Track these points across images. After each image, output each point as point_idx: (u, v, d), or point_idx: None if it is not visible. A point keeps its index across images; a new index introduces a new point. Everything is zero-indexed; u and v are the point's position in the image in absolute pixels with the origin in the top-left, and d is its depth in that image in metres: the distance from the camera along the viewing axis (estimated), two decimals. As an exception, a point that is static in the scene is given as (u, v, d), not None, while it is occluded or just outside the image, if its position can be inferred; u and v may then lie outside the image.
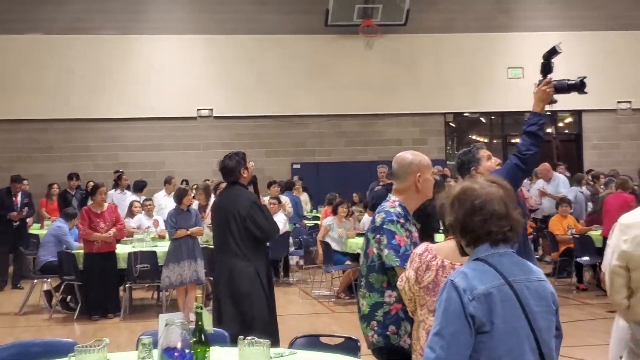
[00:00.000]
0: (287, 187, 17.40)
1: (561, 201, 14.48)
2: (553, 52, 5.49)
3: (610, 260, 4.17)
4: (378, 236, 4.66)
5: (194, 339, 4.19)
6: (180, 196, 11.68)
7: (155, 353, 4.29)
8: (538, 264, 5.69)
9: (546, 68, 5.47)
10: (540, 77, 5.48)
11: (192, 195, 13.33)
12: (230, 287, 7.35)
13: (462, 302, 3.10)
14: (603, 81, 21.87)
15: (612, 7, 22.25)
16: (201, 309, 4.29)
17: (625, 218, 4.15)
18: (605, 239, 12.09)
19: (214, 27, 20.99)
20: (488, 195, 3.29)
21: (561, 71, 18.65)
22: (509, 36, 21.99)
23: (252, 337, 4.42)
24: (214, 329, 5.08)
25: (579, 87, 5.35)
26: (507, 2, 22.19)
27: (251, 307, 7.37)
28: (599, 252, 12.04)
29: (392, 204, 4.79)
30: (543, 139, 5.36)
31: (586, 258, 12.92)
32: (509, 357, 3.10)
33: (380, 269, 4.65)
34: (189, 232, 11.23)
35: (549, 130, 21.85)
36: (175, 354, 4.12)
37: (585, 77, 5.39)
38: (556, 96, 5.43)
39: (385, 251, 4.58)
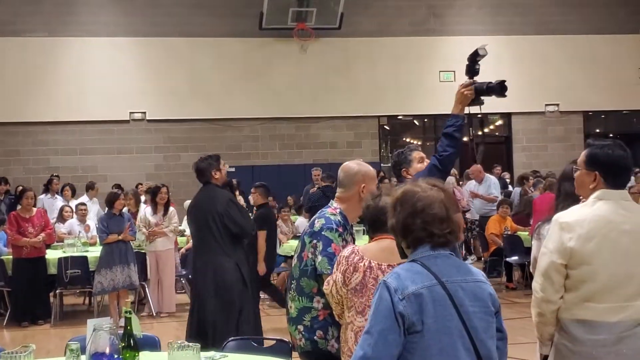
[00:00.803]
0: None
1: (502, 202, 14.68)
2: (476, 54, 5.53)
3: (546, 259, 4.18)
4: (314, 241, 4.67)
5: (123, 344, 4.15)
6: (111, 200, 11.57)
7: (84, 358, 4.22)
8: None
9: (471, 70, 5.51)
10: (466, 78, 5.53)
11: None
12: (215, 283, 7.58)
13: (392, 301, 3.12)
14: (531, 84, 22.32)
15: (540, 12, 22.64)
16: (130, 313, 4.26)
17: (566, 216, 4.17)
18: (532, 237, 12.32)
19: (146, 30, 20.80)
20: (429, 198, 3.31)
21: (490, 75, 18.80)
22: (440, 40, 22.19)
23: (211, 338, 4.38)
24: (145, 333, 5.03)
25: (498, 90, 5.37)
26: (438, 7, 22.39)
27: (239, 298, 7.66)
28: (528, 252, 12.26)
29: (333, 210, 4.81)
30: (460, 141, 5.41)
31: (515, 258, 13.14)
32: (441, 355, 3.12)
33: (312, 275, 4.66)
34: (120, 237, 11.11)
35: (480, 134, 22.14)
36: (104, 359, 4.06)
37: (504, 80, 5.39)
38: (486, 99, 5.48)
39: (319, 257, 4.59)
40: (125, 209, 12.72)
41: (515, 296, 12.65)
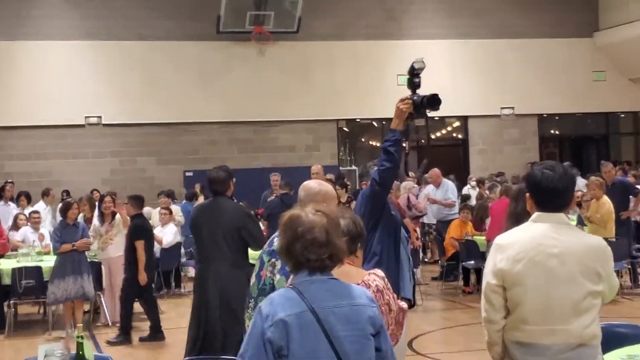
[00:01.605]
0: (190, 197, 17.13)
1: (463, 207, 14.80)
2: (412, 69, 5.58)
3: (484, 280, 4.25)
4: (273, 260, 4.66)
5: (75, 369, 4.15)
6: (65, 209, 11.45)
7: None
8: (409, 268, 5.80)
9: (411, 84, 5.56)
10: (409, 92, 5.55)
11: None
12: (225, 293, 7.54)
13: (262, 327, 3.22)
14: (487, 88, 22.58)
15: (497, 16, 22.83)
16: (82, 338, 4.26)
17: (501, 238, 4.24)
18: (489, 242, 12.45)
19: (101, 33, 20.61)
20: (310, 223, 3.35)
21: (447, 78, 19.10)
22: (398, 44, 22.25)
23: None
24: (99, 354, 5.03)
25: (429, 103, 5.41)
26: (396, 11, 22.49)
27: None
28: (483, 257, 12.39)
29: None
30: (395, 156, 5.42)
31: (471, 262, 13.26)
32: None
33: (270, 293, 4.67)
34: (74, 247, 11.01)
35: (424, 142, 22.29)
36: (55, 384, 4.07)
37: (436, 94, 5.42)
38: (444, 103, 5.51)
39: (277, 276, 4.59)
40: (80, 216, 12.61)
41: (471, 300, 12.70)
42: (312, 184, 5.03)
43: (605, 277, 4.04)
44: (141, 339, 10.86)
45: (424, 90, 5.55)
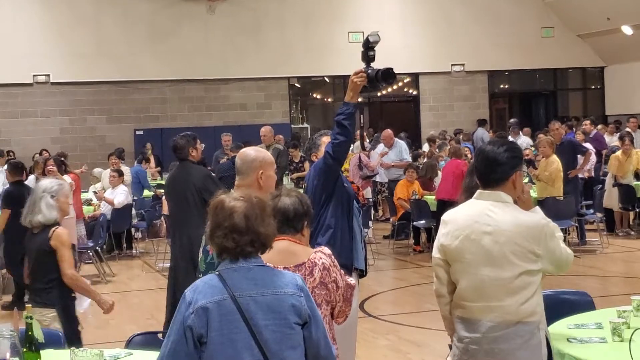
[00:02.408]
0: (140, 161, 16.93)
1: (409, 167, 14.83)
2: (367, 42, 5.54)
3: (433, 254, 4.29)
4: None
5: (25, 349, 4.10)
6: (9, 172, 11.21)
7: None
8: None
9: (366, 57, 5.52)
10: (363, 65, 5.52)
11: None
12: (192, 253, 7.51)
13: (184, 314, 3.24)
14: (438, 45, 22.60)
15: (446, -29, 22.82)
16: (31, 318, 4.21)
17: (446, 214, 4.26)
18: (439, 201, 12.55)
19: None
20: (231, 209, 3.34)
21: (398, 35, 19.05)
22: (349, 1, 22.22)
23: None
24: (46, 329, 4.97)
25: (383, 78, 5.39)
26: (346, -33, 22.38)
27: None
28: (434, 215, 12.50)
29: None
30: (350, 130, 5.42)
31: (422, 222, 13.33)
32: None
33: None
34: None
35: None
36: (5, 365, 4.03)
37: (391, 68, 5.40)
38: (395, 60, 5.51)
39: None
40: (31, 178, 12.38)
41: (422, 259, 12.77)
42: (248, 151, 4.98)
43: (544, 255, 4.01)
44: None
45: (379, 54, 5.55)
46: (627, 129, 16.97)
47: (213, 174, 9.17)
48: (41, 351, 4.18)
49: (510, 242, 3.98)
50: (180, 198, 8.14)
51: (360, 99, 5.55)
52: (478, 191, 4.13)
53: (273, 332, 3.25)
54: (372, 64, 5.46)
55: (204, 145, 8.85)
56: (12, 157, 16.83)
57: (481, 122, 20.72)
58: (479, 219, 4.05)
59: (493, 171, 4.08)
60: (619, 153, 14.21)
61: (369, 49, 5.53)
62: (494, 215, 4.03)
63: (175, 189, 8.26)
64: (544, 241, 4.00)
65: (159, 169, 18.17)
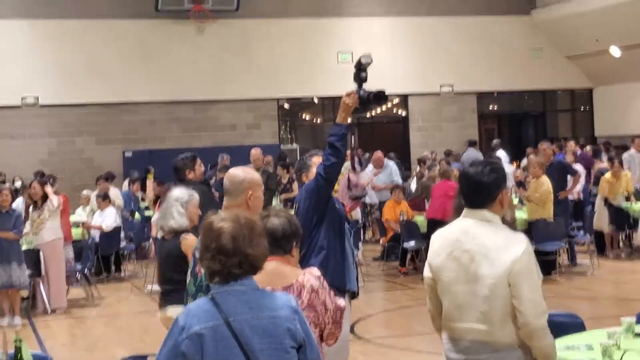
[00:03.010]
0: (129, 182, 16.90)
1: (395, 187, 14.85)
2: (359, 63, 5.56)
3: (424, 272, 4.30)
4: None
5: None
6: None
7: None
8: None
9: (358, 78, 5.54)
10: (354, 86, 5.54)
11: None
12: None
13: (177, 339, 3.20)
14: (427, 66, 22.70)
15: (436, -7, 22.95)
16: (20, 342, 4.20)
17: (435, 233, 4.27)
18: (429, 220, 12.56)
19: (38, 11, 20.24)
20: (218, 231, 3.30)
21: (387, 56, 19.15)
22: (338, 22, 22.29)
23: None
24: (35, 353, 4.95)
25: (375, 100, 5.45)
26: (336, -12, 22.48)
27: None
28: (424, 237, 12.46)
29: None
30: (342, 151, 5.42)
31: (412, 243, 13.30)
32: None
33: (207, 290, 4.62)
34: (1, 236, 10.71)
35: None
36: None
37: (383, 90, 5.45)
38: (384, 81, 5.51)
39: None
40: (19, 201, 12.32)
41: (411, 281, 12.75)
42: (236, 172, 4.98)
43: (512, 286, 3.89)
44: None
45: (370, 76, 5.57)
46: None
47: (212, 193, 9.04)
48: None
49: (489, 263, 3.92)
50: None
51: (349, 120, 5.57)
52: (465, 210, 4.11)
53: (269, 356, 3.23)
54: (365, 86, 5.49)
55: (202, 166, 8.90)
56: (2, 180, 16.76)
57: (471, 143, 20.79)
58: (461, 237, 4.04)
59: (478, 193, 4.08)
60: (608, 175, 14.26)
61: (361, 70, 5.54)
62: (478, 234, 4.01)
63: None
64: (519, 273, 3.87)
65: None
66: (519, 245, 3.93)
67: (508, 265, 3.87)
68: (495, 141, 20.67)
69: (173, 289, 6.22)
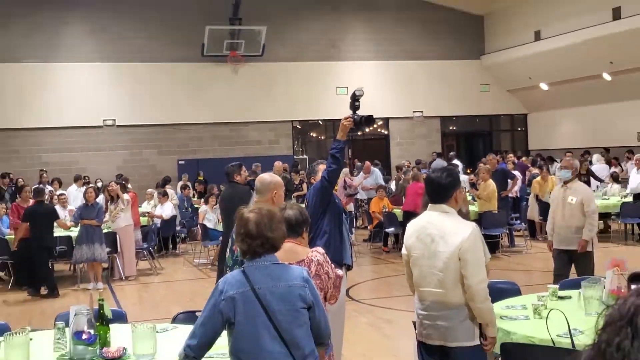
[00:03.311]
0: (182, 188, 16.85)
1: (379, 187, 14.88)
2: (354, 95, 5.57)
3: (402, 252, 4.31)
4: None
5: (98, 323, 4.09)
6: (84, 194, 11.31)
7: (68, 333, 4.14)
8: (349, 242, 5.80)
9: (352, 106, 5.55)
10: (350, 112, 5.54)
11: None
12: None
13: (217, 298, 3.23)
14: (403, 96, 22.67)
15: (409, 43, 22.89)
16: (102, 300, 4.20)
17: (410, 222, 4.28)
18: (405, 212, 12.55)
19: (115, 56, 20.34)
20: (246, 220, 3.33)
21: (373, 89, 18.99)
22: (337, 64, 22.29)
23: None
24: (114, 309, 4.96)
25: (366, 122, 5.42)
26: (336, 40, 22.42)
27: None
28: (401, 224, 12.46)
29: None
30: (340, 160, 5.42)
31: (392, 229, 13.33)
32: (249, 340, 3.22)
33: (242, 264, 4.63)
34: (86, 223, 10.78)
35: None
36: (84, 336, 4.01)
37: (371, 115, 5.42)
38: (370, 108, 5.50)
39: None
40: (100, 197, 12.38)
41: (392, 257, 12.74)
42: (265, 177, 5.02)
43: (462, 259, 3.90)
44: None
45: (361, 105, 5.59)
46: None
47: (251, 193, 9.03)
48: (110, 325, 4.16)
49: (445, 243, 3.94)
50: (229, 210, 8.01)
51: (346, 137, 5.58)
52: (430, 205, 4.13)
53: (284, 315, 3.24)
54: (358, 112, 5.51)
55: (256, 168, 8.72)
56: (87, 181, 16.79)
57: (438, 155, 20.87)
58: (426, 224, 4.06)
59: (438, 192, 4.08)
60: (539, 178, 14.27)
61: (355, 100, 5.54)
62: (436, 221, 4.03)
63: (225, 203, 8.15)
64: (466, 251, 3.89)
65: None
66: (467, 230, 3.94)
67: (458, 245, 3.89)
68: (452, 153, 20.67)
69: None
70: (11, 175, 17.03)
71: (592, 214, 7.04)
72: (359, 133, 21.46)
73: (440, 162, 18.90)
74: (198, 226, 13.86)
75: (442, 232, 3.96)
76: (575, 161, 8.14)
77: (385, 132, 23.41)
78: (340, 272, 4.33)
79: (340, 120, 5.46)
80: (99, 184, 15.85)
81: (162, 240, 14.09)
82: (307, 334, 3.32)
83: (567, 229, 7.12)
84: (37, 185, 12.95)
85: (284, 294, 3.27)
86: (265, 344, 3.22)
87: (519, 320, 4.52)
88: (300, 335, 3.28)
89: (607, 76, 19.58)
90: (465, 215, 4.35)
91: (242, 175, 8.32)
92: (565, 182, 7.27)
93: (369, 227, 14.87)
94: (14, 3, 19.45)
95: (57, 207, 13.13)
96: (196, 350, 3.24)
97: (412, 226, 4.19)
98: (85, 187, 12.11)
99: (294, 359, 3.25)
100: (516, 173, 14.90)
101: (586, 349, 0.75)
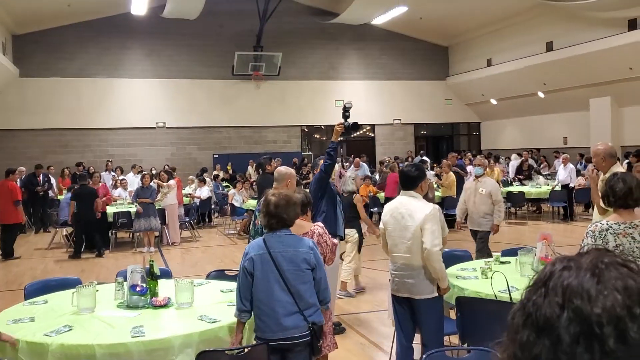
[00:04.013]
0: (215, 177, 16.80)
1: (366, 178, 14.79)
2: (345, 107, 5.55)
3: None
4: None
5: (149, 278, 4.09)
6: (141, 179, 11.28)
7: (126, 286, 4.16)
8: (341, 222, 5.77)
9: (344, 116, 5.53)
10: (342, 120, 5.52)
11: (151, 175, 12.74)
12: None
13: (244, 260, 3.29)
14: (386, 108, 22.54)
15: (391, 67, 22.73)
16: (152, 261, 4.20)
17: (387, 204, 4.27)
18: (386, 197, 12.52)
19: (165, 74, 20.23)
20: (267, 201, 3.37)
21: (363, 102, 18.75)
22: (336, 82, 22.17)
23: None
24: (161, 267, 4.96)
25: (352, 127, 5.38)
26: (334, 63, 22.25)
27: None
28: (383, 206, 12.40)
29: None
30: (334, 156, 5.38)
31: (376, 209, 13.28)
32: (264, 292, 3.25)
33: (262, 234, 4.62)
34: (143, 201, 10.79)
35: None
36: (138, 288, 4.02)
37: (356, 122, 5.40)
38: (361, 117, 5.47)
39: None
40: (153, 183, 12.37)
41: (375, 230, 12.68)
42: (282, 169, 5.00)
43: (424, 230, 3.92)
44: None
45: (351, 114, 5.55)
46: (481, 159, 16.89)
47: None
48: (158, 280, 4.16)
49: (412, 219, 3.95)
50: (261, 192, 7.89)
51: (340, 138, 5.55)
52: (402, 191, 4.13)
53: (292, 273, 3.26)
54: (348, 120, 5.49)
55: (279, 161, 8.59)
56: (141, 170, 16.79)
57: (422, 154, 20.66)
58: (399, 205, 4.07)
59: (407, 181, 4.09)
60: (487, 169, 14.24)
61: (345, 110, 5.53)
62: (407, 204, 4.03)
63: (259, 187, 8.07)
64: (426, 223, 3.91)
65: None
66: (428, 209, 3.96)
67: (422, 219, 3.91)
68: (422, 152, 20.64)
69: (348, 221, 6.51)
70: (83, 164, 17.08)
71: (499, 203, 6.97)
72: (352, 136, 21.41)
73: (417, 159, 18.88)
74: (227, 205, 13.83)
75: (410, 211, 3.97)
76: (485, 160, 8.11)
77: (372, 135, 23.35)
78: (335, 241, 4.35)
79: (334, 125, 5.44)
80: (153, 172, 15.84)
81: (200, 215, 14.07)
82: (310, 289, 3.33)
83: (477, 214, 7.08)
84: (83, 172, 12.89)
85: (291, 257, 3.29)
86: (276, 294, 3.25)
87: (470, 279, 4.52)
88: (303, 289, 3.30)
89: (541, 94, 19.51)
90: (431, 199, 4.34)
91: (272, 166, 8.25)
92: (477, 177, 7.24)
93: (357, 208, 14.82)
94: (87, 29, 19.36)
95: (119, 189, 13.19)
96: (245, 303, 3.28)
97: (387, 207, 4.19)
98: (141, 174, 12.07)
99: (298, 307, 3.28)
100: (469, 167, 14.84)
101: (516, 303, 0.76)
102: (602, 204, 3.92)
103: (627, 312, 0.67)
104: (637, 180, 3.33)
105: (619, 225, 3.24)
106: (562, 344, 0.67)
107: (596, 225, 3.29)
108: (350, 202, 7.00)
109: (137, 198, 10.81)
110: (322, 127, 23.19)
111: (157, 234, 11.48)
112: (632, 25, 15.30)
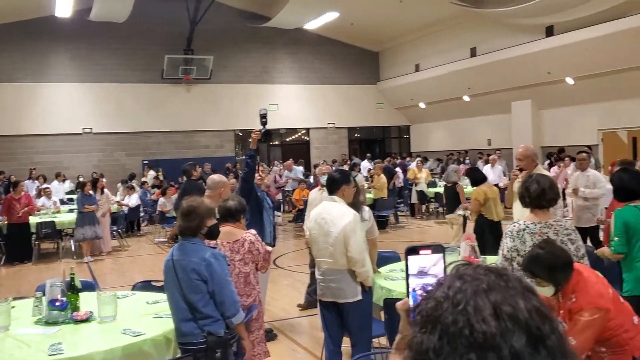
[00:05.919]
0: (142, 183, 16.31)
1: (300, 182, 14.84)
2: (260, 114, 5.57)
3: None
4: None
5: (69, 292, 3.93)
6: (81, 187, 10.89)
7: (45, 300, 3.97)
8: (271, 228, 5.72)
9: (262, 122, 5.53)
10: (261, 126, 5.51)
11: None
12: None
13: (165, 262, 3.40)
14: (320, 112, 22.70)
15: (324, 71, 22.88)
16: (73, 274, 4.04)
17: (314, 209, 4.27)
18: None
19: (91, 78, 19.51)
20: (180, 209, 3.44)
21: (297, 106, 18.84)
22: (268, 86, 22.10)
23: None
24: (86, 280, 4.78)
25: (263, 135, 5.40)
26: (268, 67, 22.16)
27: None
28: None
29: None
30: (251, 164, 5.34)
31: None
32: (169, 297, 3.37)
33: None
34: (89, 209, 10.40)
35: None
36: (57, 303, 3.85)
37: (269, 130, 5.48)
38: (295, 121, 5.47)
39: None
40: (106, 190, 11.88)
41: (309, 233, 12.76)
42: (215, 177, 4.96)
43: (345, 237, 3.93)
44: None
45: (281, 116, 5.58)
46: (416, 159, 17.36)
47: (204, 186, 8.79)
48: (80, 294, 4.01)
49: (334, 225, 3.95)
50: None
51: (255, 146, 5.44)
52: (328, 197, 4.13)
53: (184, 282, 3.29)
54: (266, 126, 5.48)
55: (200, 169, 8.67)
56: (65, 178, 16.10)
57: (366, 157, 20.69)
58: (322, 211, 4.07)
59: (331, 186, 4.10)
60: (415, 168, 14.70)
61: (262, 117, 5.55)
62: (330, 209, 4.04)
63: (184, 194, 7.80)
64: (350, 237, 3.91)
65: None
66: (349, 217, 3.97)
67: (343, 226, 3.93)
68: (368, 155, 20.94)
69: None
70: (4, 173, 16.17)
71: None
72: (287, 139, 21.44)
73: (366, 163, 18.99)
74: (157, 213, 13.48)
75: (332, 217, 3.99)
76: (327, 167, 8.16)
77: (307, 139, 23.41)
78: (269, 248, 4.32)
79: (272, 129, 5.43)
80: (81, 179, 15.22)
81: (129, 223, 13.64)
82: (204, 299, 3.28)
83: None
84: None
85: (184, 266, 3.30)
86: (175, 300, 3.30)
87: (398, 280, 4.57)
88: (196, 299, 3.28)
89: (466, 98, 20.22)
90: (362, 202, 4.38)
91: (196, 173, 8.33)
92: (324, 186, 7.27)
93: (292, 211, 14.86)
94: (9, 32, 18.36)
95: (43, 198, 12.58)
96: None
97: (312, 212, 4.20)
98: (68, 181, 11.55)
99: (194, 317, 3.26)
100: (397, 170, 15.21)
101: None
102: (516, 204, 4.08)
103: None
104: (550, 181, 3.48)
105: (535, 225, 3.38)
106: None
107: (514, 226, 3.43)
108: (454, 191, 7.76)
109: (82, 205, 10.34)
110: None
111: (88, 247, 11.02)
112: (549, 31, 16.15)
